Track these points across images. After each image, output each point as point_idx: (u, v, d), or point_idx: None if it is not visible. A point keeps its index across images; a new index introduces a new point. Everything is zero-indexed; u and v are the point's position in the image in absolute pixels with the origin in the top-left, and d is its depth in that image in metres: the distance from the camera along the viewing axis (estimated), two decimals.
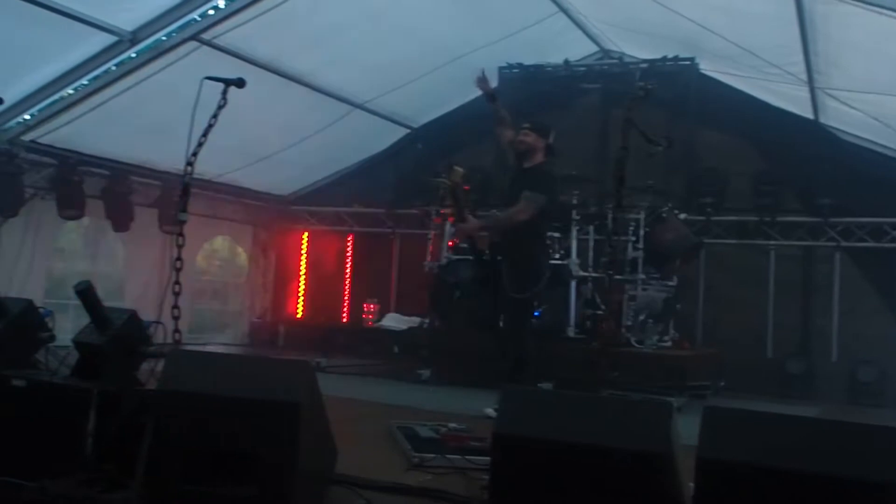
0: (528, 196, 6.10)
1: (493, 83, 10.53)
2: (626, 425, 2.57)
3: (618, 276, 8.15)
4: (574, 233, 8.35)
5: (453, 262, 8.84)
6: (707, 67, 9.74)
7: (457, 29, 9.13)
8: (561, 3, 9.32)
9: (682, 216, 8.76)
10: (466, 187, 6.42)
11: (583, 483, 2.55)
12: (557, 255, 8.32)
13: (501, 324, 6.50)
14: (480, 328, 7.78)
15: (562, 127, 10.27)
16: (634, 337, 8.04)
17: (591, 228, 8.61)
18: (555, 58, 10.47)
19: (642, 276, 8.27)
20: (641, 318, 8.13)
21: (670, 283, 8.44)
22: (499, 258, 6.39)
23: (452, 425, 4.69)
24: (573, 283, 8.26)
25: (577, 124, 10.29)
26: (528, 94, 10.48)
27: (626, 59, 10.44)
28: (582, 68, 10.66)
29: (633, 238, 8.35)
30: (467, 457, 3.87)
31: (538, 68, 10.57)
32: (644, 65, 9.99)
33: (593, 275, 8.43)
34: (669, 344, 8.32)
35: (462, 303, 8.53)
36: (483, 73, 6.64)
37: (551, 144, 6.54)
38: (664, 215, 8.47)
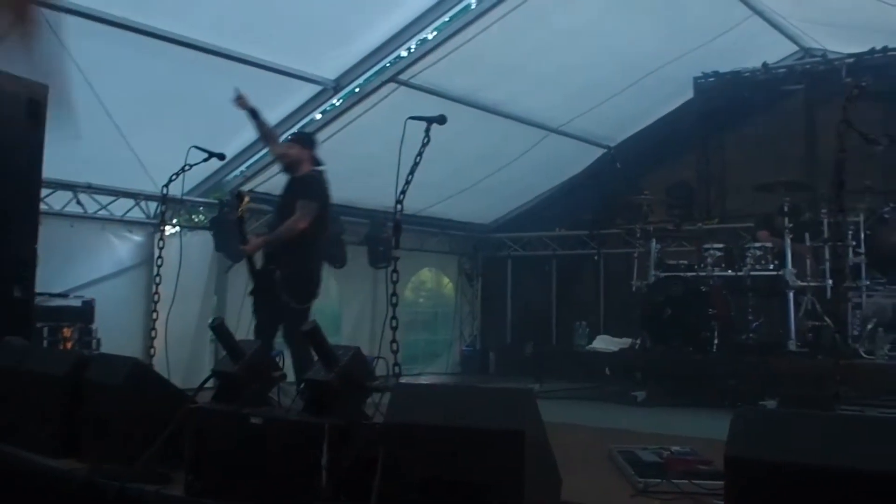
0: (302, 204, 6.01)
1: (688, 95, 10.41)
2: (879, 446, 2.40)
3: (840, 284, 7.71)
4: (788, 241, 7.94)
5: (662, 280, 8.64)
6: None
7: (648, 44, 9.00)
8: (755, 5, 8.98)
9: None
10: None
11: None
12: (772, 266, 7.97)
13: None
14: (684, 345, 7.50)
15: (764, 132, 10.02)
16: (863, 348, 7.50)
17: (807, 235, 8.17)
18: (752, 62, 10.09)
19: (867, 282, 7.74)
20: (870, 327, 7.59)
21: None
22: (272, 269, 6.08)
23: (676, 448, 4.53)
24: (790, 294, 7.85)
25: (781, 128, 9.90)
26: (725, 101, 10.20)
27: (830, 56, 9.90)
28: (782, 70, 10.20)
29: (853, 243, 7.83)
30: (695, 481, 3.74)
31: (735, 74, 10.23)
32: (850, 59, 9.45)
33: (812, 284, 7.98)
34: None
35: (674, 321, 8.30)
36: (238, 91, 6.32)
37: (316, 154, 6.43)
38: (886, 216, 7.91)
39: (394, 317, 4.70)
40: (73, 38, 6.45)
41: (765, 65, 10.09)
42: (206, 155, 6.08)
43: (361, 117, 8.68)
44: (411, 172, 4.96)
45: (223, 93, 7.75)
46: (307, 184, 6.24)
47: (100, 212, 8.30)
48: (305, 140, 6.41)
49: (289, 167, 6.32)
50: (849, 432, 2.52)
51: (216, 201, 9.09)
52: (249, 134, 8.54)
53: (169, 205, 6.73)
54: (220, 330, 4.02)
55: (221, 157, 6.46)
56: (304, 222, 6.06)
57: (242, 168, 9.17)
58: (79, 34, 6.49)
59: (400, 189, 4.90)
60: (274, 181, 9.26)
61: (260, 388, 4.01)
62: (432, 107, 7.37)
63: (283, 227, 6.08)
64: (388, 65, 8.37)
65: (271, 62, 7.73)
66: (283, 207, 6.25)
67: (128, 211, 8.52)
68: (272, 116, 8.40)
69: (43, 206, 6.62)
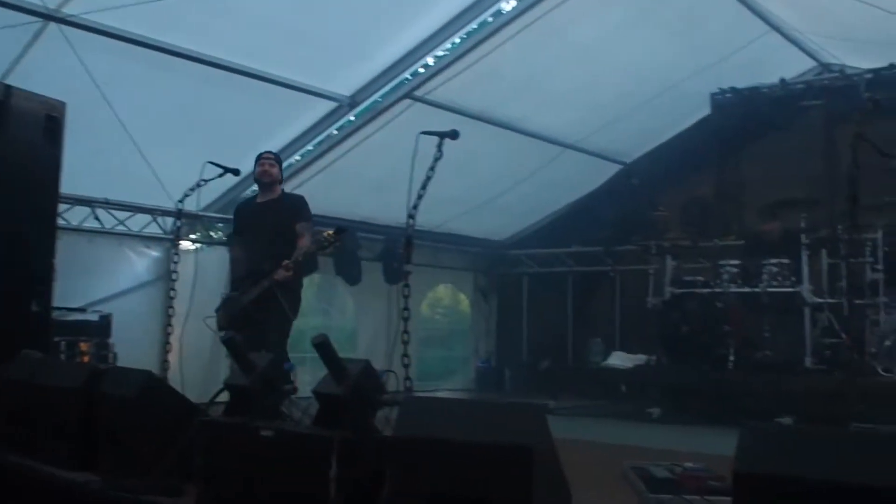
0: (306, 226, 6.19)
1: (705, 111, 10.38)
2: (886, 461, 2.38)
3: (857, 301, 7.65)
4: (805, 258, 7.90)
5: (677, 297, 8.60)
6: None
7: (665, 59, 9.00)
8: (772, 21, 8.96)
9: None
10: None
11: None
12: (788, 283, 7.93)
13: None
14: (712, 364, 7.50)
15: (783, 148, 9.97)
16: (881, 365, 7.44)
17: (824, 252, 8.12)
18: (770, 78, 10.05)
19: (884, 298, 7.68)
20: (888, 344, 7.53)
21: None
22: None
23: (689, 465, 4.49)
24: (807, 311, 7.80)
25: (800, 145, 9.84)
26: (743, 118, 10.14)
27: (849, 71, 9.85)
28: (800, 86, 10.16)
29: (871, 259, 7.79)
30: (706, 497, 3.71)
31: (753, 90, 10.18)
32: (869, 75, 9.40)
33: (829, 301, 7.92)
34: None
35: (690, 338, 8.26)
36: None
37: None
38: None
39: (405, 331, 4.72)
40: (91, 55, 6.55)
41: (782, 81, 10.05)
42: (221, 170, 6.12)
43: (377, 134, 8.71)
44: (423, 187, 4.98)
45: (240, 109, 7.86)
46: (300, 206, 6.38)
47: (117, 227, 8.36)
48: (281, 161, 6.58)
49: (268, 185, 6.42)
50: (856, 448, 2.50)
51: (232, 217, 9.14)
52: (264, 150, 8.63)
53: (185, 220, 6.78)
54: (231, 344, 4.03)
55: (236, 172, 6.50)
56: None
57: None
58: (98, 51, 6.60)
59: (412, 204, 4.93)
60: None
61: (271, 401, 4.02)
62: (448, 123, 7.36)
63: (302, 251, 6.07)
64: (403, 81, 8.41)
65: (287, 79, 7.78)
66: (265, 226, 6.28)
67: (145, 226, 8.58)
68: (288, 133, 8.50)
69: (61, 222, 6.68)
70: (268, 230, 6.26)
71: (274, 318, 6.01)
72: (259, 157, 6.43)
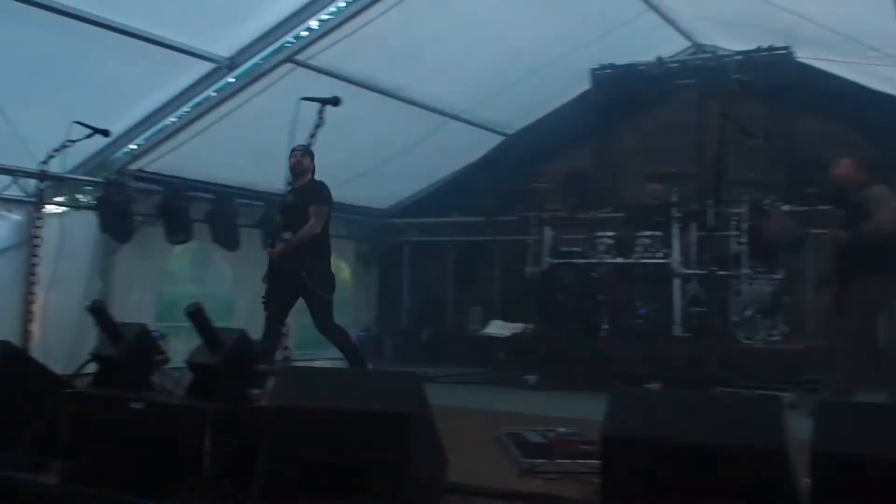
0: (316, 209, 6.67)
1: (585, 86, 10.59)
2: (736, 422, 2.54)
3: (722, 272, 8.01)
4: (675, 230, 8.20)
5: (555, 267, 8.78)
6: (804, 55, 9.40)
7: (547, 33, 9.08)
8: (651, 0, 9.17)
9: (786, 208, 8.51)
10: None
11: (694, 482, 2.52)
12: (660, 254, 8.21)
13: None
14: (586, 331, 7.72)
15: (658, 124, 10.28)
16: (742, 333, 7.84)
17: (693, 225, 8.44)
18: (647, 56, 10.32)
19: (747, 270, 8.06)
20: (748, 313, 7.93)
21: (777, 277, 8.19)
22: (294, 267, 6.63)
23: (561, 430, 4.64)
24: (677, 282, 8.11)
25: (673, 121, 10.16)
26: (621, 94, 10.38)
27: (721, 52, 10.23)
28: (675, 64, 10.47)
29: (736, 233, 8.17)
30: (578, 461, 3.83)
31: (631, 67, 10.43)
32: (738, 57, 9.75)
33: (697, 272, 8.26)
34: (779, 338, 8.05)
35: (566, 307, 8.47)
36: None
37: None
38: (767, 208, 8.26)
39: None
40: None
41: (659, 59, 10.34)
42: (89, 131, 5.87)
43: (257, 98, 8.48)
44: None
45: (112, 68, 7.53)
46: (318, 190, 6.79)
47: None
48: (312, 153, 6.84)
49: (300, 174, 6.82)
50: (716, 411, 2.64)
51: (102, 180, 8.79)
52: (139, 110, 8.33)
53: (50, 182, 6.47)
54: (98, 312, 3.89)
55: (106, 133, 6.26)
56: (320, 226, 6.68)
57: (133, 146, 8.89)
58: None
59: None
60: (164, 161, 9.05)
61: (142, 371, 3.92)
62: (330, 89, 7.28)
63: (303, 233, 6.57)
64: (284, 44, 8.21)
65: (163, 37, 7.46)
66: (292, 209, 6.73)
67: (5, 188, 8.10)
68: (164, 94, 8.21)
69: None
70: (290, 213, 6.73)
71: (312, 301, 6.71)
72: (292, 150, 6.78)
